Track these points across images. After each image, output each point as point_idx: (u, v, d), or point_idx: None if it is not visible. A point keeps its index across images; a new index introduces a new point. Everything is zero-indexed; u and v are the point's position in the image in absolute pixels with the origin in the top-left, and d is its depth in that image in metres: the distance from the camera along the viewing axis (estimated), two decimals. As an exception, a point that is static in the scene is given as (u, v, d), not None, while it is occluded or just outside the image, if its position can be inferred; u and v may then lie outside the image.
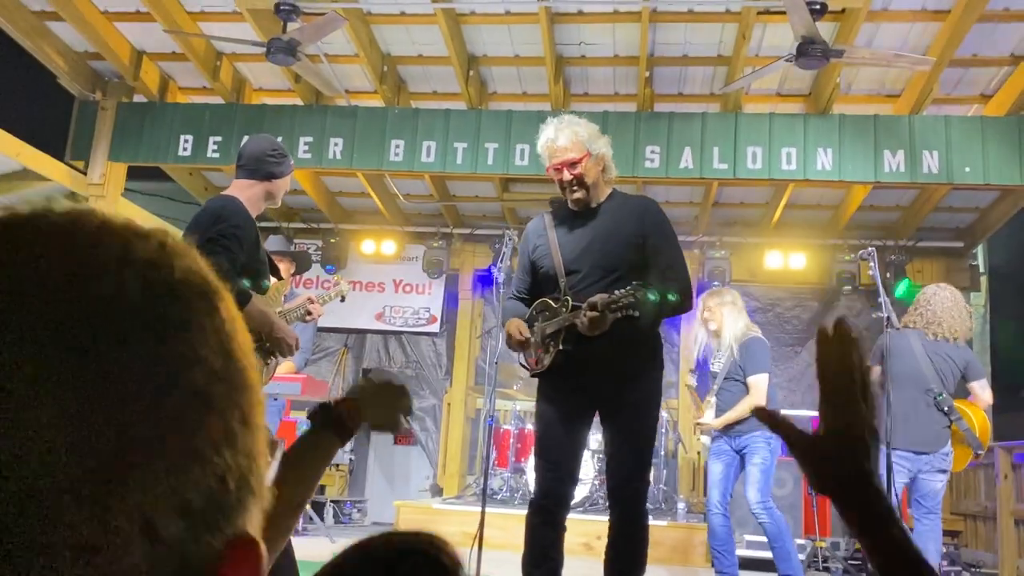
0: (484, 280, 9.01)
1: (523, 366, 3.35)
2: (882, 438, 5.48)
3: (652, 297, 2.86)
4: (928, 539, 4.86)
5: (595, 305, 2.90)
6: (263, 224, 9.03)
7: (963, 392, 5.06)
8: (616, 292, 2.91)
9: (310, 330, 5.10)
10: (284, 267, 5.16)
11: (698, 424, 5.38)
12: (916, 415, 4.82)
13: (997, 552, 7.00)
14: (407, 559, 0.86)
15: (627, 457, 3.15)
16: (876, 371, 5.49)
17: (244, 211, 3.03)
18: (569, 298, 3.11)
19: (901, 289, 8.15)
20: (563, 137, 3.18)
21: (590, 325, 2.92)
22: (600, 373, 3.12)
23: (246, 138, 3.77)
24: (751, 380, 4.90)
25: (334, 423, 1.32)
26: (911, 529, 5.56)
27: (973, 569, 7.03)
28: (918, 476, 4.87)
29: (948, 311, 4.92)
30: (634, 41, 6.22)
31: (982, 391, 5.00)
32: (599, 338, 2.99)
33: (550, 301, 3.21)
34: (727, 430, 5.01)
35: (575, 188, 3.19)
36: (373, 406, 1.37)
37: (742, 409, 4.89)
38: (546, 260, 3.24)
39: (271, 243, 5.21)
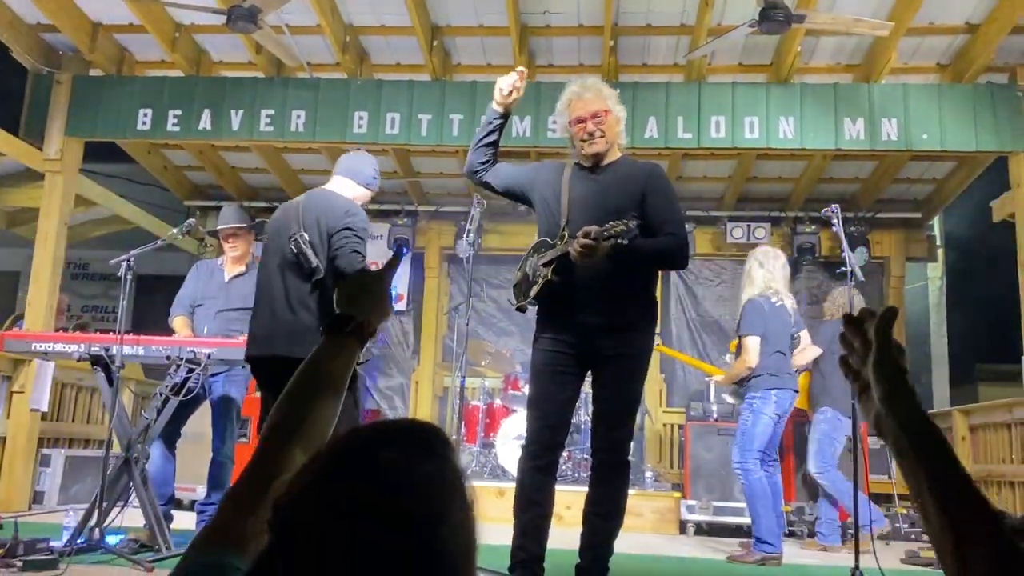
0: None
1: (511, 303, 3.46)
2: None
3: (634, 228, 2.99)
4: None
5: (588, 233, 2.99)
6: (223, 204, 8.91)
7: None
8: (612, 222, 3.02)
9: None
10: (244, 241, 5.08)
11: (716, 382, 5.70)
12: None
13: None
14: (399, 433, 0.86)
15: (613, 408, 3.21)
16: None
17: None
18: (566, 234, 3.22)
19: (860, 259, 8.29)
20: (590, 92, 3.38)
21: (582, 252, 2.99)
22: (587, 310, 3.17)
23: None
24: (743, 341, 5.23)
25: (353, 330, 1.34)
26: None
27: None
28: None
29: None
30: (598, 9, 6.24)
31: None
32: (586, 271, 3.08)
33: (548, 240, 3.33)
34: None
35: (595, 139, 3.33)
36: (362, 305, 1.38)
37: (734, 371, 5.32)
38: (552, 202, 3.37)
39: (226, 215, 5.09)
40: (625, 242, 2.94)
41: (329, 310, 3.68)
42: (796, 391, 5.31)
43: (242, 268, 5.02)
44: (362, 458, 0.79)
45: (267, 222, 4.11)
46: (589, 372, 3.36)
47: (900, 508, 6.82)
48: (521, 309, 3.41)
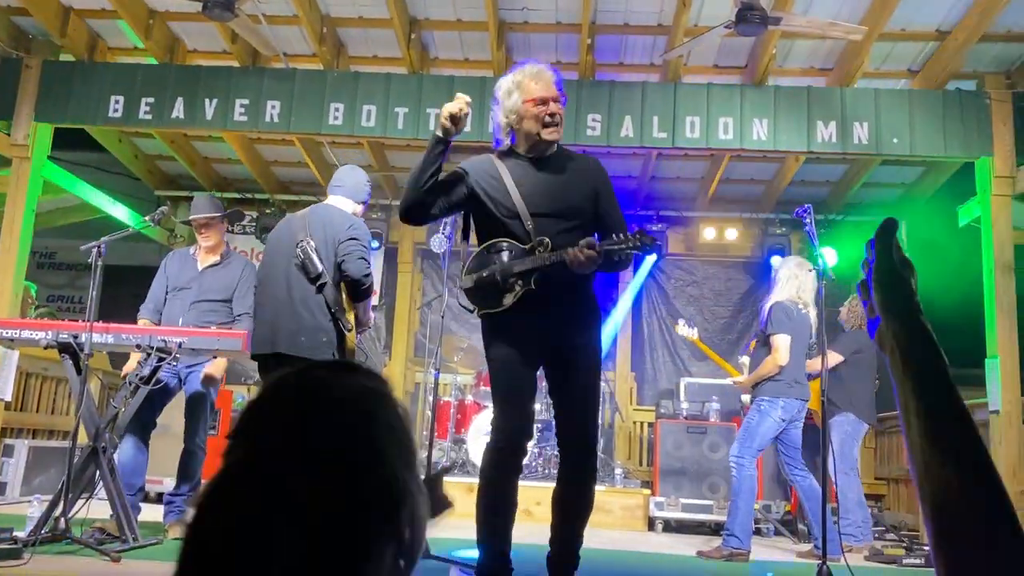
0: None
1: (465, 307, 3.26)
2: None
3: (651, 245, 2.97)
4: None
5: (592, 246, 2.95)
6: (195, 192, 8.82)
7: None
8: (616, 236, 2.98)
9: (252, 296, 5.00)
10: (217, 231, 5.03)
11: (736, 383, 5.85)
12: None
13: (919, 513, 7.30)
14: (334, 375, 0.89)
15: (579, 400, 3.19)
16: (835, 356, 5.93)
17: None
18: (547, 239, 3.07)
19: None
20: (549, 75, 3.19)
21: (585, 261, 2.95)
22: (558, 318, 3.13)
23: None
24: (772, 339, 5.31)
25: None
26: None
27: (895, 530, 7.31)
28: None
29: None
30: (576, 7, 6.26)
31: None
32: (565, 282, 3.05)
33: (510, 241, 3.14)
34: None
35: (556, 124, 3.17)
36: None
37: (763, 369, 5.35)
38: (500, 196, 3.16)
39: (199, 205, 5.03)
40: (628, 257, 2.95)
41: (331, 312, 3.92)
42: (805, 401, 5.38)
43: (216, 258, 4.97)
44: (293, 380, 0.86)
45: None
46: (544, 368, 3.29)
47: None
48: (484, 316, 3.20)
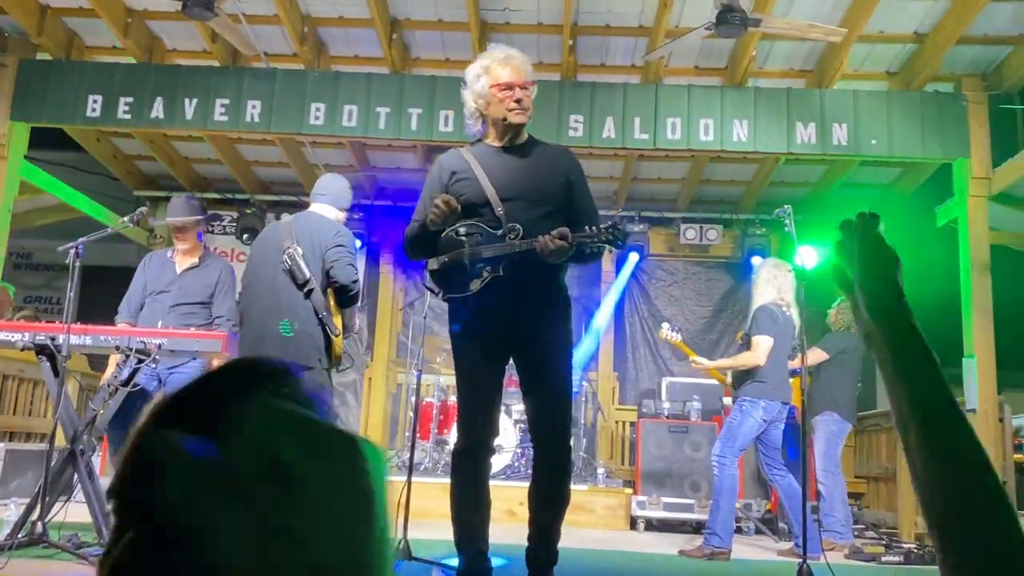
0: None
1: (430, 289, 3.22)
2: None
3: (622, 239, 2.96)
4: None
5: (565, 236, 2.92)
6: (174, 195, 8.76)
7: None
8: (590, 228, 2.95)
9: (230, 299, 5.02)
10: (193, 233, 5.00)
11: (694, 362, 5.78)
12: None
13: (898, 511, 7.37)
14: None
15: (551, 393, 3.16)
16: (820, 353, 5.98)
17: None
18: (518, 226, 3.05)
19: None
20: (516, 59, 3.17)
21: (556, 250, 2.93)
22: (526, 308, 3.10)
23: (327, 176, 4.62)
24: (753, 340, 5.36)
25: None
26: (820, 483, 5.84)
27: (875, 528, 7.37)
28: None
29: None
30: (558, 8, 6.27)
31: None
32: (534, 271, 3.02)
33: (484, 226, 3.11)
34: None
35: (524, 110, 3.14)
36: None
37: (737, 359, 5.49)
38: (471, 188, 3.13)
39: (176, 207, 4.98)
40: (613, 249, 2.95)
41: (319, 318, 3.95)
42: (786, 402, 5.42)
43: (194, 260, 4.95)
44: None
45: (253, 241, 4.36)
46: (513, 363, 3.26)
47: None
48: (448, 299, 3.19)
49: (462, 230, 3.13)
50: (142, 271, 5.01)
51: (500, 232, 3.09)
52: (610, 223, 2.99)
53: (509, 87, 3.11)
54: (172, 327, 4.58)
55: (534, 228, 3.01)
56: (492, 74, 3.14)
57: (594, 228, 2.96)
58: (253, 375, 0.66)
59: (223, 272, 5.00)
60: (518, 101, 3.11)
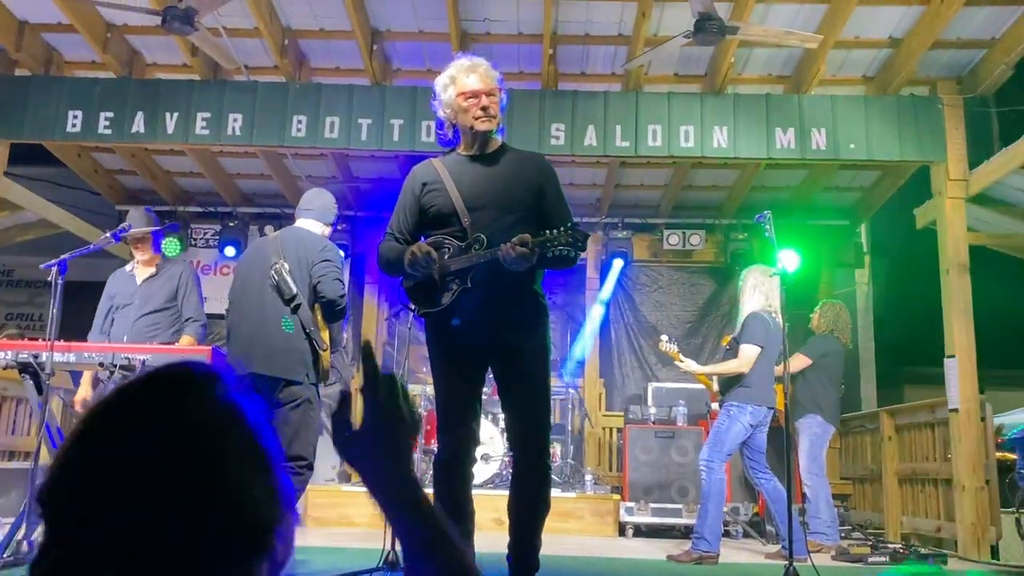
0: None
1: (409, 307, 3.24)
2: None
3: (582, 240, 2.93)
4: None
5: (526, 242, 2.89)
6: (157, 209, 8.72)
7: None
8: (548, 232, 2.92)
9: (195, 296, 5.13)
10: (149, 244, 5.11)
11: (680, 365, 5.80)
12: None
13: (883, 511, 7.43)
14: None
15: (527, 402, 3.15)
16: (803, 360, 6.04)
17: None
18: (483, 236, 3.05)
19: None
20: (481, 68, 3.20)
21: (517, 257, 2.90)
22: (497, 317, 3.09)
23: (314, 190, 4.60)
24: (740, 347, 5.40)
25: None
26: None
27: (861, 528, 7.42)
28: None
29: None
30: (538, 18, 6.30)
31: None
32: (503, 280, 3.01)
33: (450, 239, 3.13)
34: None
35: (489, 117, 3.16)
36: None
37: (722, 366, 5.53)
38: (440, 199, 3.15)
39: (134, 218, 5.04)
40: (572, 254, 2.90)
41: (306, 333, 3.98)
42: (772, 408, 5.45)
43: (152, 270, 5.12)
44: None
45: (240, 257, 4.40)
46: (490, 373, 3.27)
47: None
48: (425, 315, 3.20)
49: (433, 245, 3.14)
50: (106, 290, 5.15)
51: (466, 243, 3.10)
52: (569, 224, 2.96)
53: (475, 95, 3.15)
54: (138, 338, 4.70)
55: (503, 236, 2.99)
56: (458, 83, 3.18)
57: (553, 232, 2.93)
58: (179, 383, 0.72)
59: (184, 272, 5.15)
60: (484, 109, 3.15)
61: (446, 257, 3.12)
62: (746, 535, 6.92)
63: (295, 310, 3.99)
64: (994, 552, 5.89)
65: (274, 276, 4.03)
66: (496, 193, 3.15)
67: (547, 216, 3.16)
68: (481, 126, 3.17)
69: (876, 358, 10.02)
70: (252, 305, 4.07)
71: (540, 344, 3.21)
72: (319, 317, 4.09)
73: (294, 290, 4.00)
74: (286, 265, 4.04)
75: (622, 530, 6.96)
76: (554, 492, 6.02)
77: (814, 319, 6.47)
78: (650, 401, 7.93)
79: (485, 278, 3.04)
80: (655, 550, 5.86)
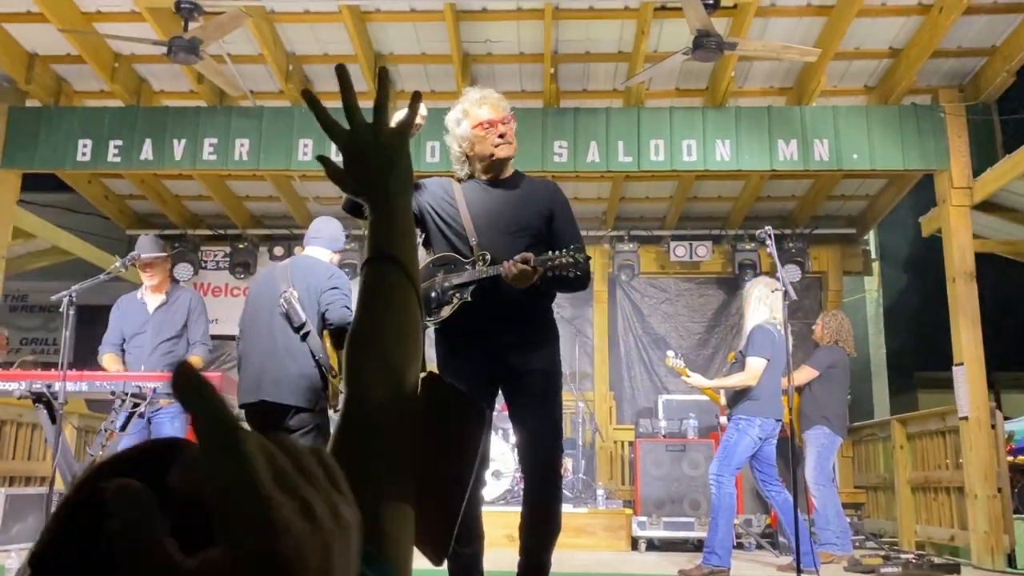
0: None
1: None
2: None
3: (583, 261, 2.96)
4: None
5: (527, 260, 2.93)
6: (167, 232, 8.82)
7: None
8: (552, 252, 2.97)
9: (203, 322, 5.29)
10: (161, 269, 5.22)
11: (687, 380, 5.80)
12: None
13: (897, 520, 7.40)
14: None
15: (538, 427, 3.16)
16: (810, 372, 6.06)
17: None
18: (487, 254, 3.11)
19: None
20: (494, 97, 3.26)
21: (518, 274, 2.94)
22: (501, 336, 3.13)
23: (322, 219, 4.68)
24: (747, 360, 5.40)
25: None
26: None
27: (875, 538, 7.39)
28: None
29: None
30: (538, 38, 6.37)
31: None
32: (506, 299, 3.04)
33: (457, 256, 3.19)
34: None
35: (508, 143, 3.21)
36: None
37: (730, 380, 5.53)
38: (451, 218, 3.21)
39: (143, 245, 5.20)
40: (571, 274, 2.93)
41: (315, 360, 4.04)
42: (780, 420, 5.46)
43: (163, 297, 5.26)
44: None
45: (249, 284, 4.35)
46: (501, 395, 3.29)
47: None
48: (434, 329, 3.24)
49: (438, 261, 3.21)
50: (117, 310, 5.33)
51: (470, 260, 3.16)
52: (572, 246, 3.01)
53: (491, 124, 3.20)
54: (158, 366, 4.80)
55: (508, 257, 3.02)
56: (472, 116, 3.22)
57: (554, 252, 2.98)
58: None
59: (192, 300, 5.36)
60: (502, 136, 3.20)
61: (448, 272, 3.18)
62: (759, 547, 6.91)
63: (304, 337, 4.05)
64: (1010, 560, 5.86)
65: (283, 304, 4.09)
66: (507, 217, 3.20)
67: (556, 240, 3.20)
68: (502, 152, 3.21)
69: (888, 364, 10.01)
70: (262, 333, 4.13)
71: (549, 364, 3.23)
72: (328, 344, 4.15)
73: (303, 318, 4.05)
74: (295, 293, 4.11)
75: (635, 544, 6.96)
76: (566, 508, 6.04)
77: (817, 330, 6.48)
78: (660, 414, 7.94)
79: (491, 296, 3.08)
80: (668, 564, 5.86)
